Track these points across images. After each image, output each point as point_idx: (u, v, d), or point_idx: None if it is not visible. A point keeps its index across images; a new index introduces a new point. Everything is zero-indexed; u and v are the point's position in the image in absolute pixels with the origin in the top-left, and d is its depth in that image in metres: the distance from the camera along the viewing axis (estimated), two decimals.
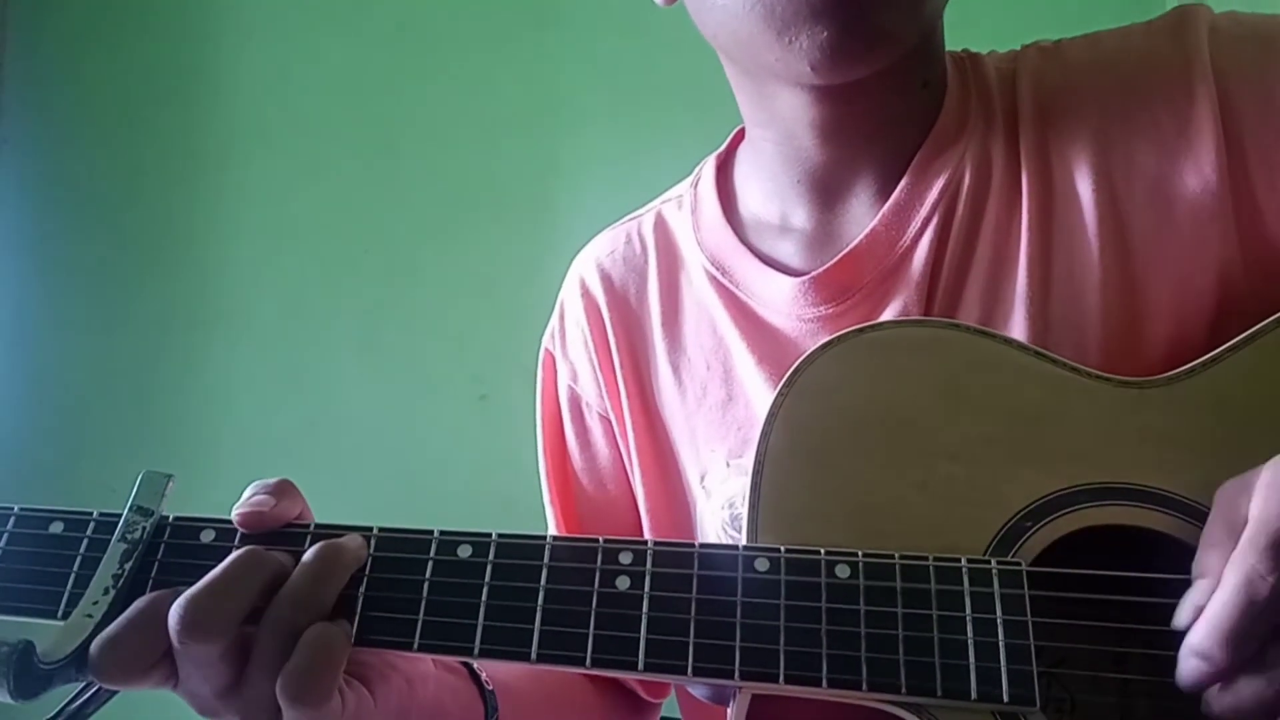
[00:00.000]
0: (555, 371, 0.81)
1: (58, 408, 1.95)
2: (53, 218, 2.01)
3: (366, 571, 0.52)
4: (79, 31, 2.06)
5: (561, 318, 0.81)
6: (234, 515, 0.53)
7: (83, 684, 0.50)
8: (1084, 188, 0.61)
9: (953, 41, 0.68)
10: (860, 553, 0.49)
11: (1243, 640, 0.40)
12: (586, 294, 0.78)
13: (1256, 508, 0.41)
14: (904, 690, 0.46)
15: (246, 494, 0.54)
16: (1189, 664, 0.43)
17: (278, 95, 2.00)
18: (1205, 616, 0.41)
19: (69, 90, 2.04)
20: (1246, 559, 0.40)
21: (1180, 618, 0.44)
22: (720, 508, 0.67)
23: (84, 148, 2.02)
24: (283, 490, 0.54)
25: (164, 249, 1.97)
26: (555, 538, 0.52)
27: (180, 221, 1.97)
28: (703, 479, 0.70)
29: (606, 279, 0.77)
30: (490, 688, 0.64)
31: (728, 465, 0.68)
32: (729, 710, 0.51)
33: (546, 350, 0.82)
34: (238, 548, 0.52)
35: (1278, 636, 0.41)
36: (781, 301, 0.67)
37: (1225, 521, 0.43)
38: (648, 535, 0.75)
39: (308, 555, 0.50)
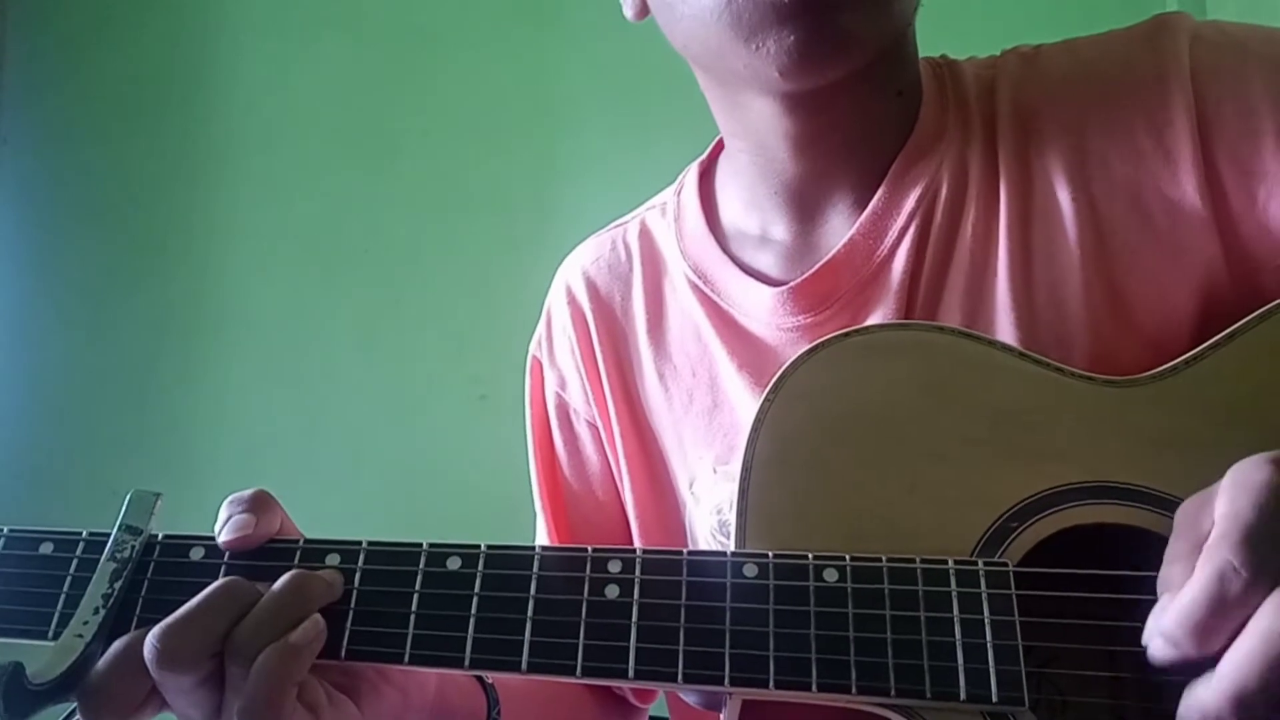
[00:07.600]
0: (543, 379, 0.81)
1: (56, 408, 1.95)
2: (53, 218, 2.01)
3: (356, 585, 0.52)
4: (79, 31, 2.06)
5: (548, 325, 0.81)
6: (219, 540, 0.53)
7: (74, 704, 0.50)
8: (1063, 196, 0.61)
9: (934, 46, 0.67)
10: (848, 556, 0.49)
11: (1209, 633, 0.40)
12: (573, 301, 0.78)
13: (1224, 507, 0.41)
14: (893, 693, 0.47)
15: (223, 514, 0.54)
16: (1155, 643, 0.42)
17: (277, 96, 1.99)
18: (1176, 603, 0.41)
19: (69, 90, 2.04)
20: (1220, 552, 0.40)
21: (1148, 636, 0.43)
22: (709, 514, 0.68)
23: (84, 148, 2.02)
24: (260, 504, 0.54)
25: (163, 249, 1.97)
26: (544, 548, 0.52)
27: (179, 222, 1.98)
28: (691, 485, 0.70)
29: (592, 286, 0.77)
30: (490, 680, 0.65)
31: (714, 472, 0.68)
32: (721, 715, 0.51)
33: (534, 357, 0.82)
34: (227, 564, 0.53)
35: (1242, 630, 0.40)
36: (762, 311, 0.67)
37: (1188, 537, 0.43)
38: (638, 541, 0.75)
39: (276, 585, 0.51)
